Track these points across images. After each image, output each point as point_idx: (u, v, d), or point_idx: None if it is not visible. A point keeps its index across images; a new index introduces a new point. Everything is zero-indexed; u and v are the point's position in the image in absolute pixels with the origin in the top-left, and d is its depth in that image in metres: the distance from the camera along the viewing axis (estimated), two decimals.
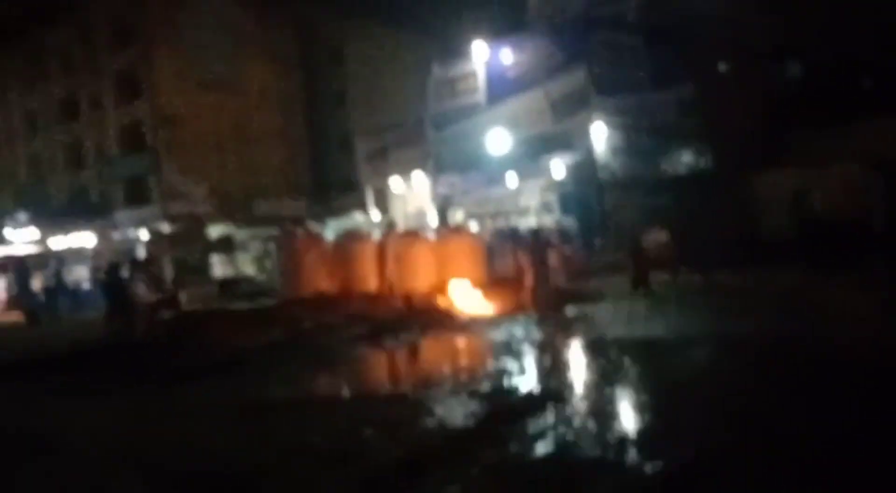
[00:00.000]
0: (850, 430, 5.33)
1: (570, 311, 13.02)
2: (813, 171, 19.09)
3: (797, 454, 4.92)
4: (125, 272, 14.47)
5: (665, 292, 14.46)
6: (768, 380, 7.18)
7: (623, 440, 5.65)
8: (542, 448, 5.51)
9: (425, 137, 26.11)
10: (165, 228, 33.28)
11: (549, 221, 20.66)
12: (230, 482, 5.34)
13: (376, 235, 18.08)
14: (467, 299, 14.51)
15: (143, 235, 33.40)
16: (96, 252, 31.69)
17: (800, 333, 9.40)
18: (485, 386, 7.91)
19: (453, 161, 24.49)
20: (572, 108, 20.43)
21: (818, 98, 20.89)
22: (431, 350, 11.48)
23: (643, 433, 5.87)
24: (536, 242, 14.92)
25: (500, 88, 22.89)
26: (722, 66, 22.89)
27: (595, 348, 9.85)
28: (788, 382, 7.03)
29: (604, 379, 7.95)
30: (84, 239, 33.13)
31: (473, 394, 7.48)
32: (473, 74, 24.40)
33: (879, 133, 19.08)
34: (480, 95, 23.91)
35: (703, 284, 15.30)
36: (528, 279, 13.94)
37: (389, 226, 21.23)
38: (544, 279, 14.19)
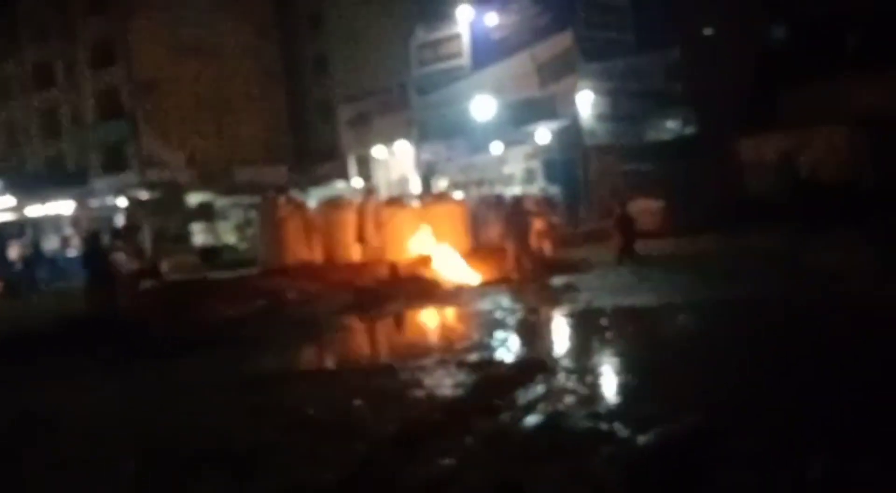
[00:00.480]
0: (847, 392, 5.32)
1: (556, 280, 12.93)
2: (799, 132, 19.06)
3: (793, 422, 4.88)
4: (106, 241, 14.19)
5: (654, 260, 14.39)
6: (760, 346, 7.15)
7: (615, 410, 5.60)
8: (534, 419, 5.45)
9: (409, 102, 25.75)
10: (144, 195, 32.83)
11: (533, 189, 20.52)
12: (232, 459, 5.24)
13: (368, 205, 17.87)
14: (453, 267, 14.40)
15: (122, 203, 32.91)
16: (74, 220, 31.23)
17: (789, 295, 9.41)
18: (473, 356, 7.84)
19: (437, 127, 24.19)
20: (558, 72, 20.18)
21: (804, 58, 20.79)
22: (418, 320, 11.40)
23: (635, 403, 5.82)
24: (519, 210, 14.82)
25: (486, 51, 22.53)
26: (708, 30, 22.71)
27: (583, 318, 9.80)
28: (781, 347, 7.01)
29: (592, 349, 7.90)
30: (61, 207, 32.60)
31: (462, 364, 7.40)
32: (458, 37, 23.98)
33: (865, 90, 19.05)
34: (465, 59, 23.54)
35: (692, 249, 15.25)
36: (511, 248, 13.86)
37: (368, 192, 21.00)
38: (526, 248, 14.15)
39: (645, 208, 19.19)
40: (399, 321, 11.16)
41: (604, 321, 9.29)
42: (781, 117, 20.22)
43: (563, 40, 20.02)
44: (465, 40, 23.58)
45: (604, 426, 5.13)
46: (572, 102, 18.80)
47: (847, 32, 21.16)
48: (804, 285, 10.08)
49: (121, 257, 13.61)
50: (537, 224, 15.26)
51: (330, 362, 9.09)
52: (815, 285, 9.92)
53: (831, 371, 5.94)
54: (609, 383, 6.67)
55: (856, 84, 19.24)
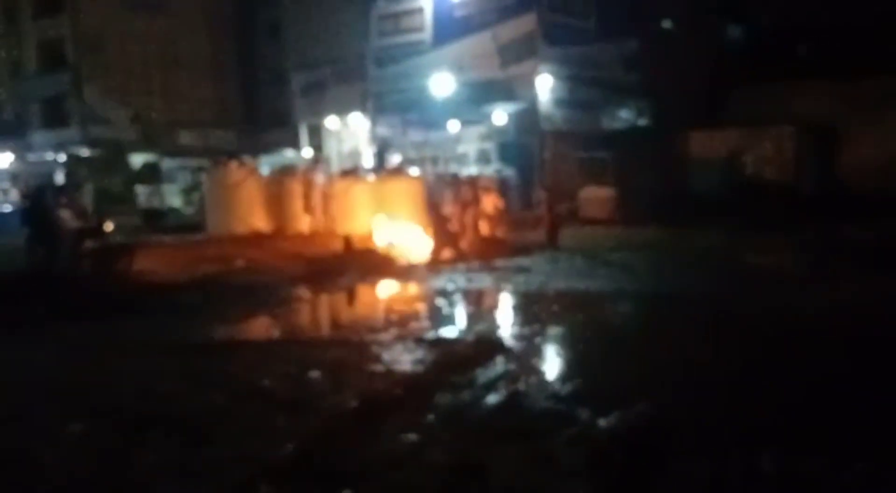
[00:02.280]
0: (792, 382, 5.58)
1: (510, 261, 13.03)
2: (748, 130, 19.57)
3: (748, 406, 5.06)
4: (48, 198, 13.68)
5: (598, 247, 14.63)
6: (710, 336, 7.38)
7: (574, 391, 5.71)
8: (494, 398, 5.51)
9: (365, 74, 25.40)
10: (86, 152, 31.70)
11: (488, 170, 20.57)
12: (184, 427, 5.13)
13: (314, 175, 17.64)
14: (406, 242, 14.36)
15: (62, 159, 31.74)
16: (13, 174, 30.01)
17: (729, 291, 9.74)
18: (430, 333, 7.87)
19: (393, 102, 23.94)
20: (519, 54, 20.17)
21: (757, 60, 21.31)
22: (372, 295, 11.35)
23: (593, 384, 5.94)
24: (469, 189, 14.93)
25: (448, 27, 22.33)
26: (667, 23, 23.01)
27: (537, 300, 9.92)
28: (731, 336, 7.26)
29: (548, 331, 7.99)
30: None
31: (420, 341, 7.42)
32: (420, 11, 23.69)
33: (812, 97, 19.68)
34: (426, 34, 23.28)
35: (638, 239, 15.55)
36: (460, 226, 13.99)
37: (315, 161, 20.72)
38: (476, 227, 14.31)
39: (595, 196, 19.50)
40: (353, 295, 11.08)
41: (557, 304, 9.42)
42: (731, 116, 20.72)
43: (526, 22, 20.00)
44: (428, 15, 23.32)
45: (563, 407, 5.23)
46: (531, 85, 18.84)
47: (799, 40, 21.77)
48: (742, 283, 10.41)
49: (65, 215, 13.14)
50: (486, 204, 15.35)
51: (282, 333, 8.98)
52: (752, 283, 10.26)
53: (775, 366, 6.18)
54: (564, 366, 6.79)
55: (804, 90, 19.84)
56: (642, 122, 23.29)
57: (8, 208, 24.08)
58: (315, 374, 6.34)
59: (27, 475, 4.46)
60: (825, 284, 9.88)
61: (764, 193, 18.30)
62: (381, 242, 14.17)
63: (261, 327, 9.17)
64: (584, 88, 21.72)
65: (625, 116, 23.43)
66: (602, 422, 4.81)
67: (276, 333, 8.98)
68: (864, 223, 14.29)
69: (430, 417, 5.12)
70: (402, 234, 14.52)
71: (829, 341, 6.90)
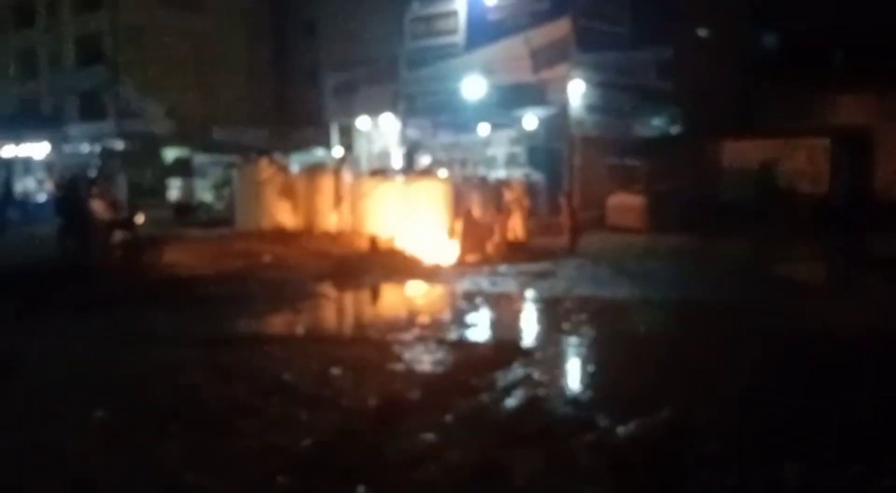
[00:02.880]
0: (814, 394, 5.49)
1: (535, 266, 12.99)
2: (781, 141, 19.31)
3: (769, 417, 5.01)
4: (82, 189, 13.92)
5: (625, 255, 14.53)
6: (735, 344, 7.31)
7: (593, 400, 5.68)
8: (513, 401, 5.51)
9: (398, 75, 25.45)
10: (120, 145, 32.21)
11: (518, 174, 20.50)
12: (208, 420, 5.20)
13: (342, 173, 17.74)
14: (433, 245, 14.38)
15: (97, 151, 32.27)
16: (48, 165, 30.55)
17: (761, 301, 9.61)
18: (452, 335, 7.87)
19: (424, 104, 23.94)
20: (552, 59, 20.06)
21: (792, 68, 21.03)
22: (396, 295, 11.38)
23: (612, 394, 5.91)
24: (497, 192, 14.97)
25: (481, 30, 22.27)
26: (702, 30, 22.78)
27: (561, 305, 9.87)
28: (754, 347, 7.17)
29: (569, 337, 7.95)
30: (35, 150, 31.86)
31: (441, 342, 7.43)
32: (454, 14, 23.65)
33: (848, 106, 19.38)
34: (459, 37, 23.23)
35: (668, 247, 15.42)
36: (487, 229, 14.03)
37: (342, 161, 20.80)
38: (504, 231, 14.35)
39: (625, 203, 19.35)
40: (377, 294, 11.12)
41: (581, 310, 9.37)
42: (765, 125, 20.46)
43: (560, 27, 19.88)
44: (461, 18, 23.27)
45: (583, 413, 5.21)
46: (563, 91, 18.69)
47: (835, 48, 21.43)
48: (769, 294, 10.28)
49: (97, 206, 13.37)
50: (513, 208, 15.36)
51: (306, 329, 9.04)
52: (779, 294, 10.12)
53: (801, 378, 6.09)
54: (586, 372, 6.76)
55: (839, 99, 19.54)
56: (674, 129, 23.05)
57: (42, 198, 24.52)
58: (337, 371, 6.38)
59: (52, 463, 4.53)
60: (853, 296, 9.74)
61: (796, 203, 18.04)
62: (407, 242, 14.21)
63: (285, 323, 9.24)
64: (617, 94, 21.54)
65: (657, 123, 23.21)
66: (621, 429, 4.79)
67: (299, 329, 9.04)
68: None
69: (449, 418, 5.13)
70: (429, 235, 14.55)
71: (854, 354, 6.78)
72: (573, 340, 7.81)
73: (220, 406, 5.50)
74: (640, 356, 7.07)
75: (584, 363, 7.05)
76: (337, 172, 17.43)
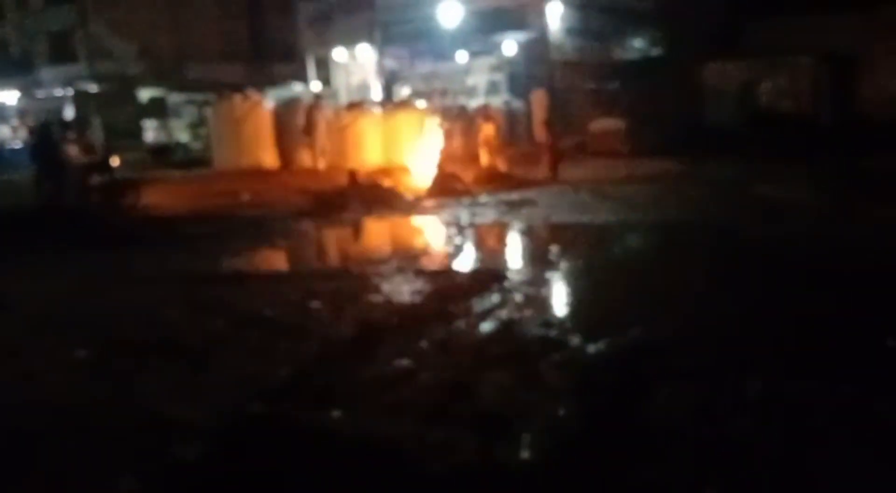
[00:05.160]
0: (789, 312, 5.57)
1: (515, 194, 12.97)
2: (763, 61, 19.10)
3: (742, 334, 5.10)
4: (55, 133, 13.71)
5: (607, 180, 14.51)
6: (711, 266, 7.39)
7: (566, 321, 5.78)
8: (488, 326, 5.58)
9: (373, 3, 24.84)
10: (93, 88, 31.46)
11: (497, 101, 20.25)
12: (184, 351, 5.29)
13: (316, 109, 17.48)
14: (413, 177, 14.33)
15: (70, 94, 31.56)
16: (20, 111, 29.93)
17: (738, 222, 9.66)
18: (430, 265, 7.92)
19: (401, 32, 23.45)
20: None
21: None
22: (375, 228, 11.38)
23: (586, 315, 6.01)
24: (477, 122, 14.85)
25: None
26: None
27: (539, 232, 9.94)
28: (730, 268, 7.26)
29: (547, 262, 8.01)
30: (6, 97, 31.16)
31: (419, 272, 7.48)
32: None
33: (831, 28, 19.10)
34: None
35: (649, 172, 15.39)
36: (465, 157, 13.99)
37: (317, 97, 20.50)
38: (476, 158, 14.30)
39: (606, 128, 19.22)
40: (357, 228, 11.12)
41: (559, 237, 9.42)
42: (749, 46, 20.18)
43: None
44: None
45: (554, 335, 5.29)
46: (542, 14, 18.29)
47: None
48: (751, 214, 10.31)
49: (72, 150, 13.20)
50: (486, 133, 15.19)
51: (285, 265, 9.09)
52: (761, 215, 10.16)
53: (773, 296, 6.18)
54: (562, 296, 6.85)
55: (825, 20, 19.22)
56: (656, 52, 22.72)
57: (18, 145, 24.14)
58: (315, 303, 6.44)
59: (34, 397, 4.61)
60: (838, 215, 9.76)
61: (780, 124, 17.98)
62: (386, 175, 14.14)
63: (265, 260, 9.27)
64: (597, 15, 21.15)
65: (638, 45, 22.87)
66: (591, 348, 4.88)
67: (279, 265, 9.09)
68: (884, 155, 13.98)
69: (424, 343, 5.21)
70: (409, 168, 14.48)
71: (836, 273, 6.76)
72: (550, 266, 7.86)
73: (198, 340, 5.57)
74: (615, 279, 7.16)
75: (560, 288, 7.13)
76: (311, 108, 17.17)
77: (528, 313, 5.93)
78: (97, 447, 3.85)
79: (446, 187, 13.58)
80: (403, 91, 23.53)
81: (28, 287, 7.61)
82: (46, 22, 34.59)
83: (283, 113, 17.86)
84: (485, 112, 15.89)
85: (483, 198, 12.83)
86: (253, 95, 18.92)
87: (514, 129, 17.59)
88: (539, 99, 17.45)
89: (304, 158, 16.66)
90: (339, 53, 27.36)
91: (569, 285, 7.20)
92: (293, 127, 17.15)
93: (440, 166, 14.17)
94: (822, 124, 18.02)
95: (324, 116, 16.58)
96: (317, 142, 16.20)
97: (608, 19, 21.48)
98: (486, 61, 22.83)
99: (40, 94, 32.22)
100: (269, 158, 17.19)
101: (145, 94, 31.30)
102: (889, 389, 4.08)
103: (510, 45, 21.45)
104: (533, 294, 6.57)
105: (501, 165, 15.15)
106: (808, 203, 11.01)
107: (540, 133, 16.85)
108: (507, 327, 5.54)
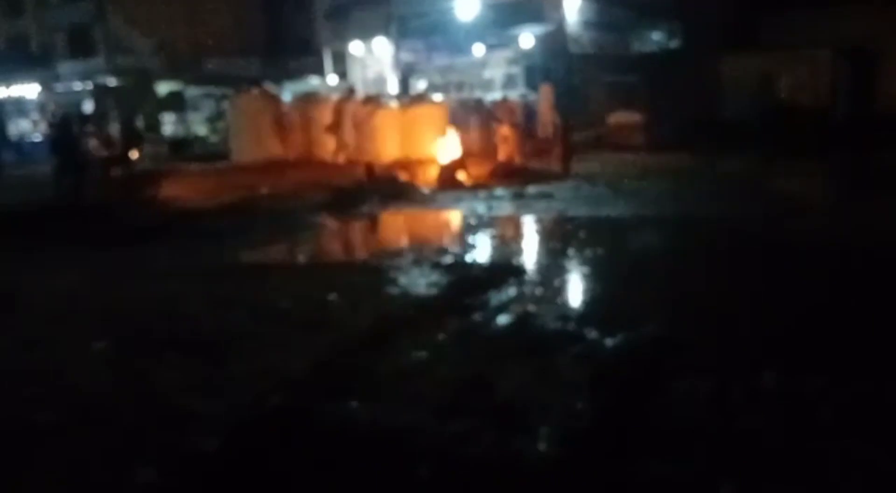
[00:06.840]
0: (804, 308, 5.54)
1: (532, 188, 12.96)
2: (782, 54, 18.92)
3: (754, 330, 5.09)
4: (75, 127, 13.84)
5: (624, 174, 14.46)
6: (727, 261, 7.36)
7: (583, 315, 5.78)
8: (505, 319, 5.60)
9: None
10: (112, 82, 31.73)
11: (514, 95, 20.21)
12: (203, 344, 5.33)
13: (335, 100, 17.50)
14: (430, 170, 14.35)
15: (89, 88, 31.85)
16: (40, 105, 30.24)
17: (754, 218, 9.61)
18: (448, 258, 7.94)
19: (418, 25, 23.48)
20: None
21: None
22: (393, 221, 11.43)
23: (603, 309, 6.00)
24: (490, 114, 14.82)
25: None
26: None
27: (556, 226, 9.93)
28: (746, 263, 7.22)
29: (564, 256, 8.02)
30: (26, 90, 31.48)
31: (436, 265, 7.50)
32: None
33: (850, 20, 18.89)
34: None
35: (666, 165, 15.32)
36: (483, 151, 13.97)
37: (349, 92, 20.57)
38: (494, 152, 14.28)
39: (624, 122, 19.16)
40: (374, 221, 11.17)
41: (576, 230, 9.41)
42: (767, 39, 20.00)
43: None
44: None
45: (571, 328, 5.30)
46: (559, 6, 18.26)
47: None
48: (767, 209, 10.23)
49: (91, 144, 13.34)
50: (503, 130, 15.20)
51: (303, 258, 9.14)
52: (777, 210, 10.08)
53: (788, 292, 6.15)
54: (578, 289, 6.84)
55: (843, 13, 19.00)
56: (673, 45, 22.58)
57: (37, 138, 24.40)
58: (333, 296, 6.48)
59: (52, 391, 4.66)
60: (853, 211, 9.69)
61: (797, 118, 17.81)
62: (404, 168, 14.16)
63: (282, 253, 9.32)
64: (614, 8, 21.05)
65: (655, 38, 22.74)
66: (608, 341, 4.89)
67: (297, 258, 9.14)
68: None
69: (441, 336, 5.23)
70: (426, 161, 14.50)
71: (852, 269, 6.73)
72: (566, 259, 7.87)
73: (216, 333, 5.61)
74: (632, 273, 7.15)
75: (577, 281, 7.13)
76: (341, 104, 17.10)
77: (544, 306, 5.94)
78: (116, 440, 3.88)
79: (448, 180, 13.59)
80: (420, 85, 23.52)
81: (48, 281, 7.70)
82: (66, 16, 34.85)
83: (300, 106, 17.91)
84: (503, 106, 15.84)
85: (499, 191, 12.83)
86: (270, 88, 18.97)
87: (530, 122, 17.52)
88: (545, 94, 17.40)
89: (323, 152, 16.70)
90: (355, 47, 27.41)
91: (585, 279, 7.19)
92: (310, 121, 17.20)
93: (460, 158, 14.19)
94: (839, 119, 17.85)
95: (349, 111, 16.58)
96: (343, 137, 16.19)
97: (625, 12, 21.38)
98: (503, 55, 22.79)
99: (60, 88, 32.53)
100: (285, 151, 17.26)
101: (163, 87, 31.53)
102: None
103: (527, 38, 21.38)
104: (549, 287, 6.59)
105: (518, 159, 15.14)
106: (822, 198, 10.93)
107: (545, 127, 16.79)
108: (523, 321, 5.55)
